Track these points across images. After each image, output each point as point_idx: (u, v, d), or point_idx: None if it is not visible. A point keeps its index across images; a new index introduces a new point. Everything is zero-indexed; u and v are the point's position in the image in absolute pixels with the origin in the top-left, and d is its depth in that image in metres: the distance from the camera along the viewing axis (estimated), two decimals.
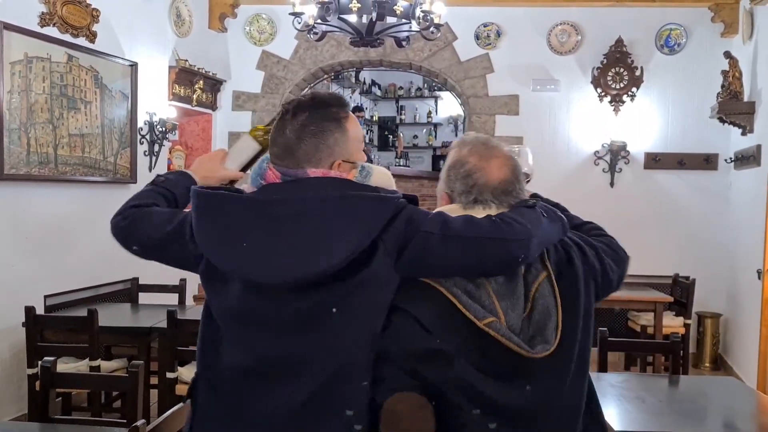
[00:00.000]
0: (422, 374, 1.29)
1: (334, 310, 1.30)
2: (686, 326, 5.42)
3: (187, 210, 1.50)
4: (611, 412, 2.48)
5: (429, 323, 1.30)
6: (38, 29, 4.16)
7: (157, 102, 5.36)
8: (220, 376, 1.42)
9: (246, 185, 1.50)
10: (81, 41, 4.50)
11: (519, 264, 1.35)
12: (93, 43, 4.61)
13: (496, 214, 1.39)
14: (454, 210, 1.42)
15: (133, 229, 1.49)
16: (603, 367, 3.22)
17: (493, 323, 1.29)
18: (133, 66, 5.03)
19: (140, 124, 5.18)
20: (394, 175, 1.55)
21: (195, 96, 5.89)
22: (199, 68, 5.83)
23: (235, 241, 1.33)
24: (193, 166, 1.73)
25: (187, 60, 5.65)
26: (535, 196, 1.59)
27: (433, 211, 1.41)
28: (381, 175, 1.47)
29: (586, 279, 1.42)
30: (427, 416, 1.27)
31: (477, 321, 1.28)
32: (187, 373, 3.66)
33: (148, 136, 5.28)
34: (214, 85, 6.22)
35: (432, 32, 3.99)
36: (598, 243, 1.53)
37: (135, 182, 5.09)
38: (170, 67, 5.54)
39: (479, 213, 1.40)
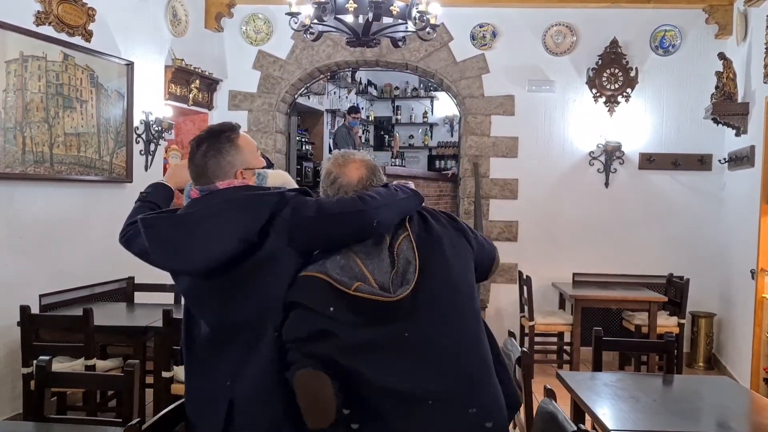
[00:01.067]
0: (315, 352, 1.64)
1: (247, 281, 1.74)
2: (680, 326, 5.46)
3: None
4: (606, 412, 2.50)
5: (316, 305, 1.65)
6: (34, 28, 4.15)
7: (153, 101, 5.35)
8: (194, 343, 1.89)
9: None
10: (77, 40, 4.49)
11: (375, 227, 1.73)
12: (89, 42, 4.60)
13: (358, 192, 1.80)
14: None
15: (129, 244, 1.99)
16: (597, 367, 3.24)
17: (360, 286, 1.63)
18: (129, 65, 5.02)
19: (136, 123, 5.17)
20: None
21: (191, 95, 5.88)
22: (195, 68, 5.82)
23: (166, 247, 1.81)
24: (167, 175, 2.19)
25: (183, 59, 5.64)
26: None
27: (318, 197, 1.84)
28: (276, 177, 1.94)
29: (448, 231, 1.81)
30: (324, 381, 1.60)
31: (348, 290, 1.62)
32: (183, 372, 3.66)
33: (144, 136, 5.27)
34: (210, 84, 6.22)
35: (428, 32, 3.99)
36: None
37: (131, 181, 5.08)
38: (166, 67, 5.54)
39: None
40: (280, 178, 1.95)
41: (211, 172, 1.82)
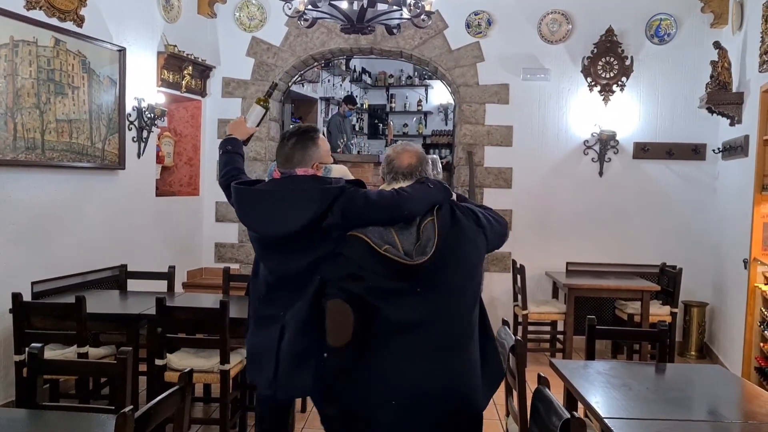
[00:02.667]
0: (347, 288, 2.17)
1: (306, 244, 2.28)
2: (673, 315, 5.48)
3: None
4: (598, 400, 2.51)
5: (354, 257, 2.18)
6: (24, 12, 4.10)
7: (145, 88, 5.31)
8: (257, 285, 2.48)
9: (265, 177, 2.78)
10: (68, 25, 4.45)
11: (406, 215, 2.25)
12: (80, 27, 4.55)
13: (399, 187, 2.34)
14: (384, 186, 2.41)
15: (229, 190, 2.54)
16: (590, 355, 3.25)
17: (389, 249, 2.15)
18: (122, 51, 4.98)
19: (128, 110, 5.13)
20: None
21: (184, 82, 5.84)
22: (188, 54, 5.77)
23: (250, 214, 2.40)
24: (231, 130, 2.86)
25: (176, 46, 5.59)
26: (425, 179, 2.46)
27: (366, 190, 2.34)
28: (337, 170, 2.72)
29: (470, 225, 2.30)
30: (347, 310, 2.14)
31: (379, 249, 2.15)
32: (176, 360, 3.66)
33: (136, 123, 5.23)
34: (203, 71, 6.17)
35: (423, 20, 3.97)
36: (487, 212, 2.44)
37: (123, 168, 5.05)
38: (159, 53, 5.49)
39: (396, 185, 2.36)
40: (340, 172, 2.68)
41: (296, 160, 2.39)
